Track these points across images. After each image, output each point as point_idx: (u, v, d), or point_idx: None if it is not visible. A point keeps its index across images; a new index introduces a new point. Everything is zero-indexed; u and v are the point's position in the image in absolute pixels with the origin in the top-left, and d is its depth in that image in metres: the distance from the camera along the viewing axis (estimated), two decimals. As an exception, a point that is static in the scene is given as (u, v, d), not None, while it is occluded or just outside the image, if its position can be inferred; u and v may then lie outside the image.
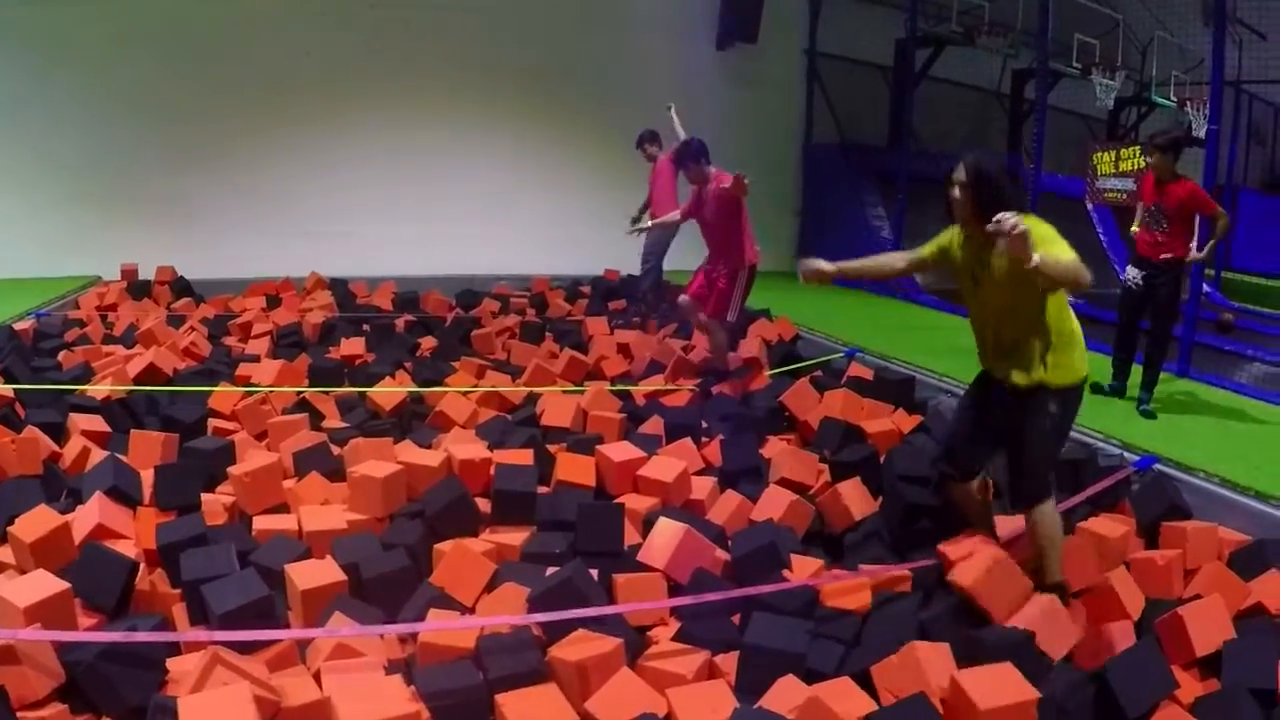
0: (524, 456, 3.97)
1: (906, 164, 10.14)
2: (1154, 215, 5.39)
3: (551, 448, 4.38)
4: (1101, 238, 12.72)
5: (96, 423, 4.39)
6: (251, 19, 8.94)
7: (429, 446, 4.34)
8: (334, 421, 5.00)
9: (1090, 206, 11.52)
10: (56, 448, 4.15)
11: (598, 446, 4.14)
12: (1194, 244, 5.45)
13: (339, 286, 8.34)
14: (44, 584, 2.70)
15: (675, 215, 6.33)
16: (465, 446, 4.06)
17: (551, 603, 2.77)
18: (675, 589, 3.14)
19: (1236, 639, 2.94)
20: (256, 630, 2.54)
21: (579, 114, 10.32)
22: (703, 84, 11.05)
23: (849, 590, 3.18)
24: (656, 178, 7.81)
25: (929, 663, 2.51)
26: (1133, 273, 5.54)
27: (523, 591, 2.91)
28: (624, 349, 6.72)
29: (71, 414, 4.44)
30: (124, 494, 3.56)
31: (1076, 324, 3.22)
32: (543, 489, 3.86)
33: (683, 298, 5.97)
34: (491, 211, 10.22)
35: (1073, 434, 4.04)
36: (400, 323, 7.31)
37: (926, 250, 3.49)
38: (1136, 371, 5.57)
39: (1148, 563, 3.48)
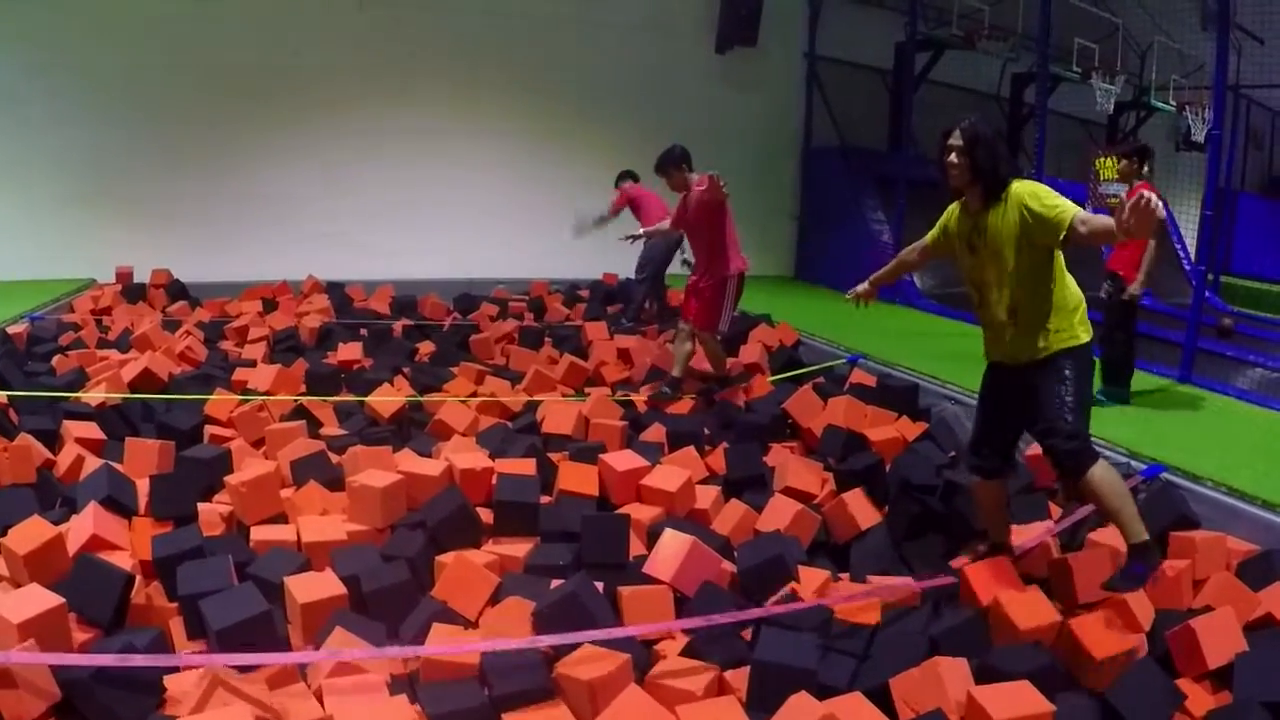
0: (526, 466, 3.92)
1: (906, 168, 10.11)
2: None
3: (553, 456, 4.34)
4: (1100, 242, 12.69)
5: (91, 430, 4.33)
6: (247, 21, 8.87)
7: (429, 455, 4.29)
8: (332, 429, 4.95)
9: (1092, 210, 11.50)
10: (50, 455, 4.09)
11: (601, 455, 4.10)
12: (1139, 275, 5.45)
13: (336, 290, 8.28)
14: (38, 598, 2.64)
15: (665, 224, 6.23)
16: (466, 455, 4.00)
17: (557, 618, 2.72)
18: (681, 601, 3.10)
19: (1249, 651, 2.90)
20: (257, 653, 2.47)
21: (576, 116, 10.27)
22: (701, 87, 11.03)
23: (858, 604, 3.13)
24: (639, 204, 7.78)
25: (949, 678, 2.47)
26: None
27: (527, 605, 2.86)
28: (624, 354, 6.67)
29: (65, 421, 4.38)
30: (119, 504, 3.51)
31: (1077, 289, 3.22)
32: (545, 499, 3.81)
33: (682, 323, 5.84)
34: (489, 215, 10.17)
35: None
36: (398, 327, 7.26)
37: (930, 236, 3.56)
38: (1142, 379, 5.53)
39: (1157, 573, 3.43)
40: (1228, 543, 3.65)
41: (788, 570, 3.23)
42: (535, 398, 5.45)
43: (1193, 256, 13.67)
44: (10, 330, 6.14)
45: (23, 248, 8.33)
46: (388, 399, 5.13)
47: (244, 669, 2.51)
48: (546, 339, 7.02)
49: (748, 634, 2.97)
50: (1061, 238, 2.94)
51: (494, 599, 3.05)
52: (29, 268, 8.27)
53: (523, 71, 10.07)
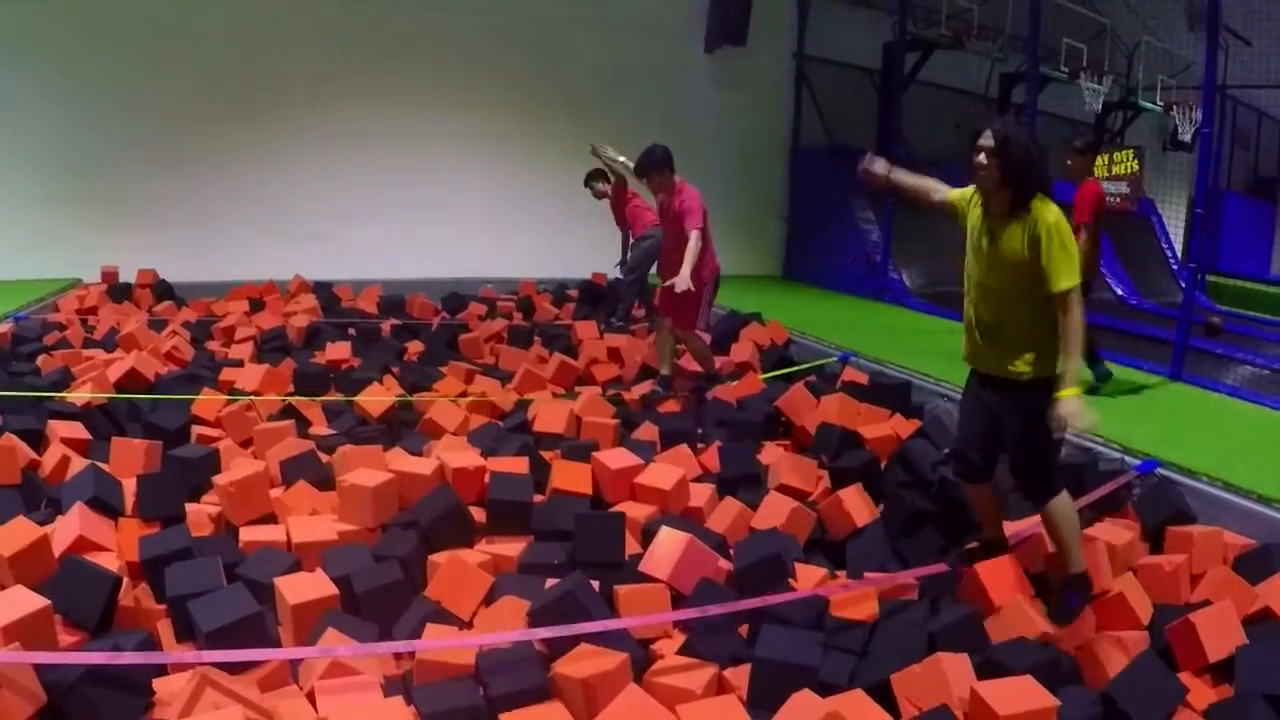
0: (518, 464, 3.88)
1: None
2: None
3: (545, 454, 4.30)
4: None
5: (76, 430, 4.26)
6: (232, 19, 8.78)
7: (419, 454, 4.24)
8: (321, 428, 4.89)
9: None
10: (35, 456, 4.01)
11: (594, 454, 4.07)
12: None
13: (323, 290, 8.21)
14: (22, 601, 2.59)
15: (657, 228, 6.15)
16: (458, 454, 3.96)
17: (552, 616, 2.68)
18: (678, 599, 3.07)
19: (1249, 644, 2.90)
20: (249, 650, 2.42)
21: (565, 116, 10.21)
22: (691, 87, 11.00)
23: (856, 600, 3.11)
24: (622, 205, 7.74)
25: (952, 674, 2.45)
26: None
27: (522, 605, 2.82)
28: (614, 353, 6.64)
29: (50, 421, 4.30)
30: (105, 504, 3.45)
31: None
32: (538, 497, 3.77)
33: (661, 322, 5.75)
34: (476, 214, 10.11)
35: (1073, 438, 4.01)
36: (386, 327, 7.20)
37: (952, 194, 3.39)
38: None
39: (1155, 568, 3.44)
40: (1224, 537, 3.66)
41: (785, 567, 3.21)
42: (526, 397, 5.40)
43: (1180, 255, 13.79)
44: (-6, 330, 6.06)
45: (6, 247, 8.20)
46: (377, 399, 5.07)
47: (234, 670, 2.46)
48: (536, 338, 6.98)
49: (744, 631, 2.94)
50: (1048, 294, 2.90)
51: (488, 599, 3.02)
52: (12, 267, 8.15)
53: (510, 71, 10.02)
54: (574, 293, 9.11)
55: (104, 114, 8.37)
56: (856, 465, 4.26)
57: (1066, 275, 2.87)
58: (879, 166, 3.67)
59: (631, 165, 7.19)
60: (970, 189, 3.28)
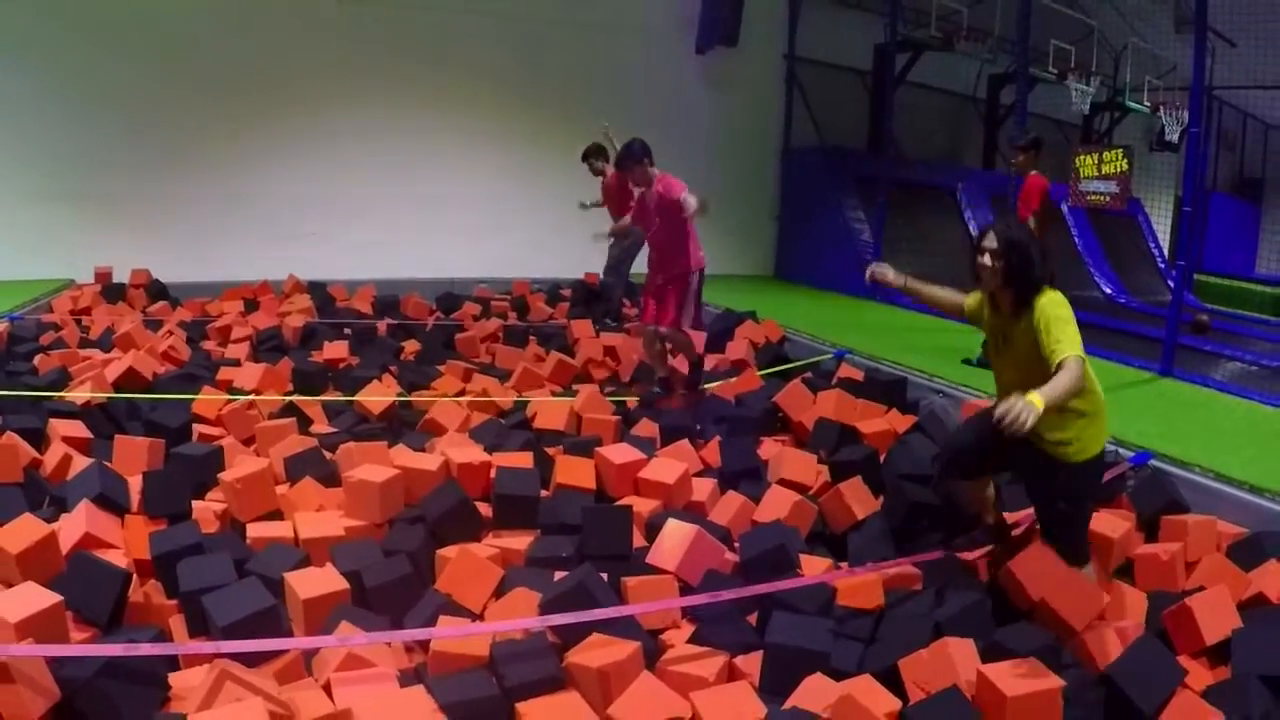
0: (523, 459, 3.91)
1: (888, 169, 10.20)
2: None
3: (548, 450, 4.32)
4: (1076, 240, 12.92)
5: (77, 428, 4.25)
6: (223, 18, 8.76)
7: (422, 450, 4.26)
8: (322, 426, 4.91)
9: (1065, 209, 11.67)
10: (36, 454, 4.00)
11: (597, 449, 4.09)
12: None
13: (317, 290, 8.21)
14: (35, 597, 2.58)
15: (626, 220, 6.00)
16: (463, 450, 3.98)
17: (564, 607, 2.71)
18: (686, 590, 3.10)
19: (1244, 628, 2.97)
20: (268, 640, 2.43)
21: (557, 116, 10.24)
22: (683, 88, 11.05)
23: (862, 589, 3.15)
24: (609, 192, 7.78)
25: (959, 657, 2.49)
26: None
27: (534, 597, 2.85)
28: (610, 352, 6.67)
29: (51, 420, 4.29)
30: (111, 502, 3.45)
31: (1100, 396, 3.12)
32: (542, 492, 3.79)
33: (646, 328, 5.68)
34: (469, 214, 10.12)
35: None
36: (382, 326, 7.21)
37: (969, 302, 3.42)
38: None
39: (1151, 557, 3.51)
40: (1217, 526, 3.73)
41: (790, 558, 3.25)
42: (524, 395, 5.43)
43: (1166, 254, 13.95)
44: (-10, 330, 6.03)
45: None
46: (379, 398, 5.08)
47: (250, 664, 2.48)
48: (531, 337, 7.00)
49: (753, 620, 2.97)
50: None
51: (498, 592, 3.04)
52: (5, 268, 8.10)
53: (503, 71, 10.04)
54: (567, 292, 9.14)
55: (96, 113, 8.33)
56: (856, 459, 4.30)
57: (1066, 344, 2.81)
58: (890, 276, 3.71)
59: None
60: (978, 296, 3.32)
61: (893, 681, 2.64)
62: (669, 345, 5.73)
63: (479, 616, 2.94)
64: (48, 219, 8.28)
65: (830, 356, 6.68)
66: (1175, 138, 13.31)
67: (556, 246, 9.84)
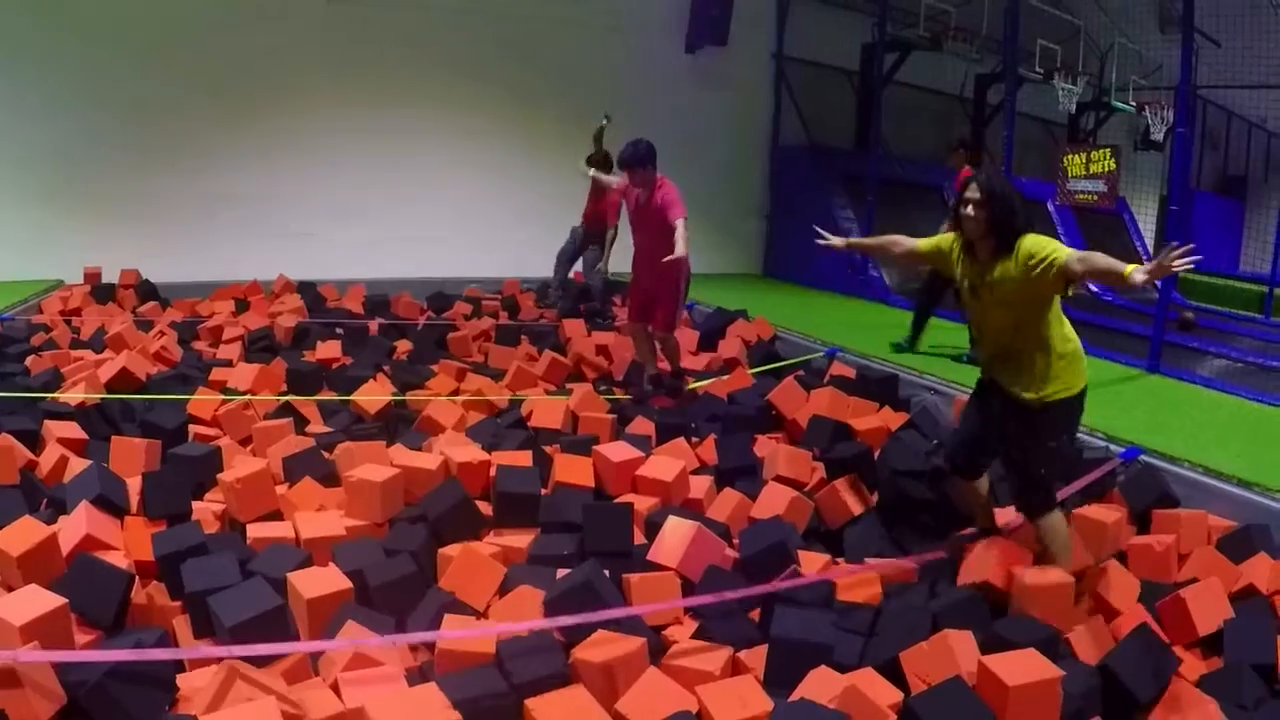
0: (523, 458, 3.92)
1: (877, 167, 10.26)
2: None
3: (546, 449, 4.34)
4: (1061, 238, 13.02)
5: (72, 429, 4.23)
6: (211, 16, 8.70)
7: (419, 450, 4.26)
8: (318, 426, 4.90)
9: (1052, 208, 11.78)
10: (32, 456, 3.98)
11: (595, 447, 4.11)
12: None
13: (308, 290, 8.18)
14: (39, 600, 2.56)
15: (612, 231, 6.06)
16: (461, 449, 3.99)
17: (570, 605, 2.73)
18: (687, 587, 3.13)
19: (1236, 618, 3.04)
20: (281, 644, 2.44)
21: (547, 115, 10.25)
22: (672, 86, 11.07)
23: (860, 583, 3.20)
24: (603, 193, 7.81)
25: (959, 649, 2.54)
26: None
27: (537, 594, 2.87)
28: (603, 350, 6.69)
29: (46, 421, 4.27)
30: (111, 503, 3.43)
31: (1075, 338, 3.27)
32: (541, 491, 3.80)
33: (634, 326, 5.72)
34: (459, 214, 10.10)
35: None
36: (374, 326, 7.20)
37: (923, 245, 3.56)
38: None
39: (1145, 548, 3.57)
40: (1208, 519, 3.79)
41: (790, 555, 3.28)
42: (519, 394, 5.44)
43: (1152, 253, 14.07)
44: (-21, 331, 5.99)
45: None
46: (375, 398, 5.08)
47: (257, 664, 2.48)
48: (523, 336, 7.01)
49: (755, 616, 3.00)
50: (1065, 283, 3.01)
51: (501, 590, 3.06)
52: (-6, 268, 8.06)
53: (493, 70, 10.03)
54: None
55: (84, 113, 8.26)
56: (850, 456, 4.34)
57: (1057, 257, 2.98)
58: (835, 241, 4.03)
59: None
60: (943, 238, 3.46)
61: (892, 674, 2.68)
62: (658, 347, 5.76)
63: (483, 614, 2.96)
64: (35, 219, 8.21)
65: (822, 355, 6.73)
66: (1160, 137, 13.45)
67: (547, 246, 9.83)
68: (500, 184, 10.25)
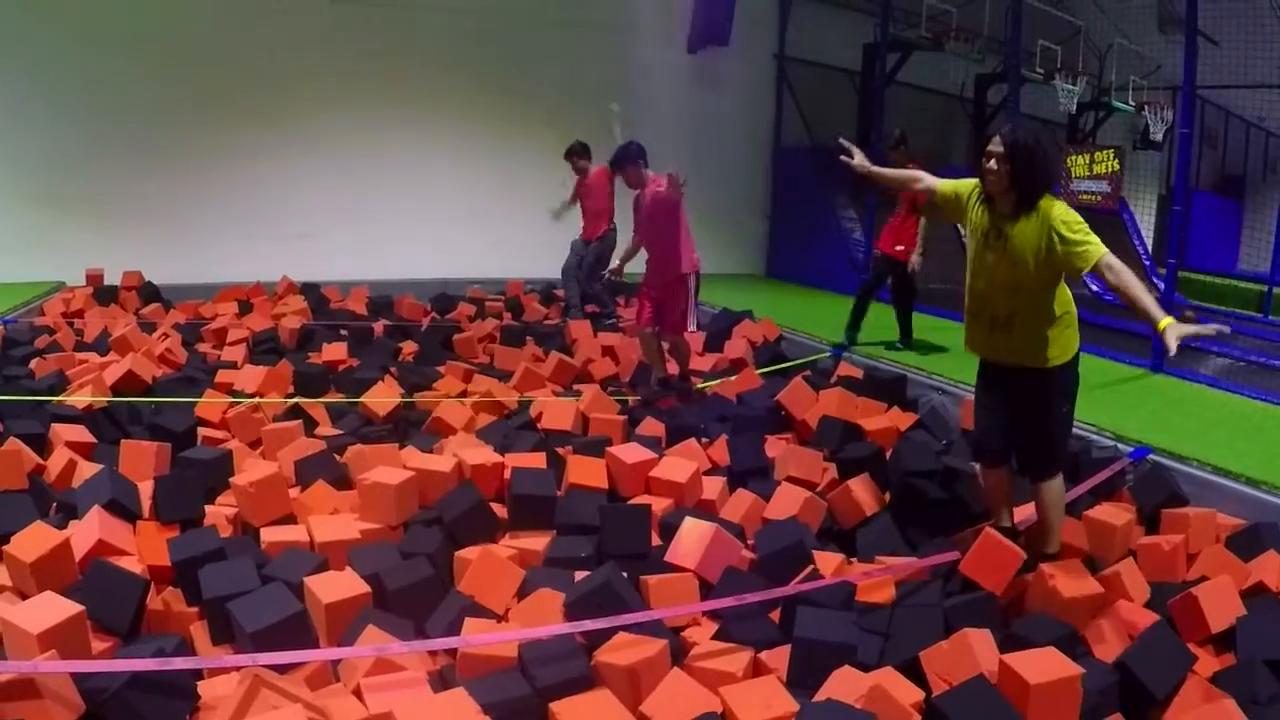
0: (536, 460, 3.92)
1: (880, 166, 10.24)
2: (892, 203, 6.72)
3: (558, 451, 4.33)
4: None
5: (80, 433, 4.21)
6: (213, 17, 8.68)
7: (430, 452, 4.25)
8: (326, 429, 4.88)
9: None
10: (40, 460, 3.97)
11: (608, 449, 4.11)
12: (915, 255, 6.61)
13: (311, 291, 8.16)
14: (56, 607, 2.54)
15: (631, 245, 5.99)
16: (474, 451, 3.99)
17: (590, 607, 2.72)
18: (706, 588, 3.12)
19: (1248, 615, 3.05)
20: (305, 651, 2.42)
21: (549, 116, 10.25)
22: (674, 87, 11.05)
23: (875, 584, 3.20)
24: (590, 190, 7.81)
25: (979, 648, 2.54)
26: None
27: (557, 597, 2.86)
28: (609, 351, 6.68)
29: (53, 424, 4.24)
30: (122, 508, 3.41)
31: (1071, 305, 3.30)
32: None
33: (644, 331, 5.67)
34: (461, 215, 10.09)
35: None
36: (379, 327, 7.18)
37: (942, 187, 3.48)
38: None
39: (1154, 548, 3.57)
40: (1217, 518, 3.80)
41: (806, 555, 3.28)
42: (527, 395, 5.43)
43: (1151, 252, 14.12)
44: (-18, 334, 5.96)
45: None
46: (384, 400, 5.07)
47: (280, 671, 2.47)
48: (528, 338, 7.01)
49: (775, 617, 3.00)
50: (1083, 274, 3.01)
51: (519, 593, 3.05)
52: (-4, 270, 8.03)
53: (495, 71, 10.02)
54: (561, 292, 9.12)
55: (85, 114, 8.24)
56: (862, 456, 4.36)
57: (1091, 251, 2.97)
58: (856, 159, 3.90)
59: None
60: (963, 183, 3.39)
61: (914, 672, 2.68)
62: (666, 348, 5.76)
63: (502, 618, 2.95)
64: (37, 221, 8.19)
65: (828, 355, 6.73)
66: (1159, 137, 13.49)
67: (549, 247, 9.81)
68: (502, 184, 10.23)
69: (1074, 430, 4.59)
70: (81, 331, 6.42)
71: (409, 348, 6.65)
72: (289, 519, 3.60)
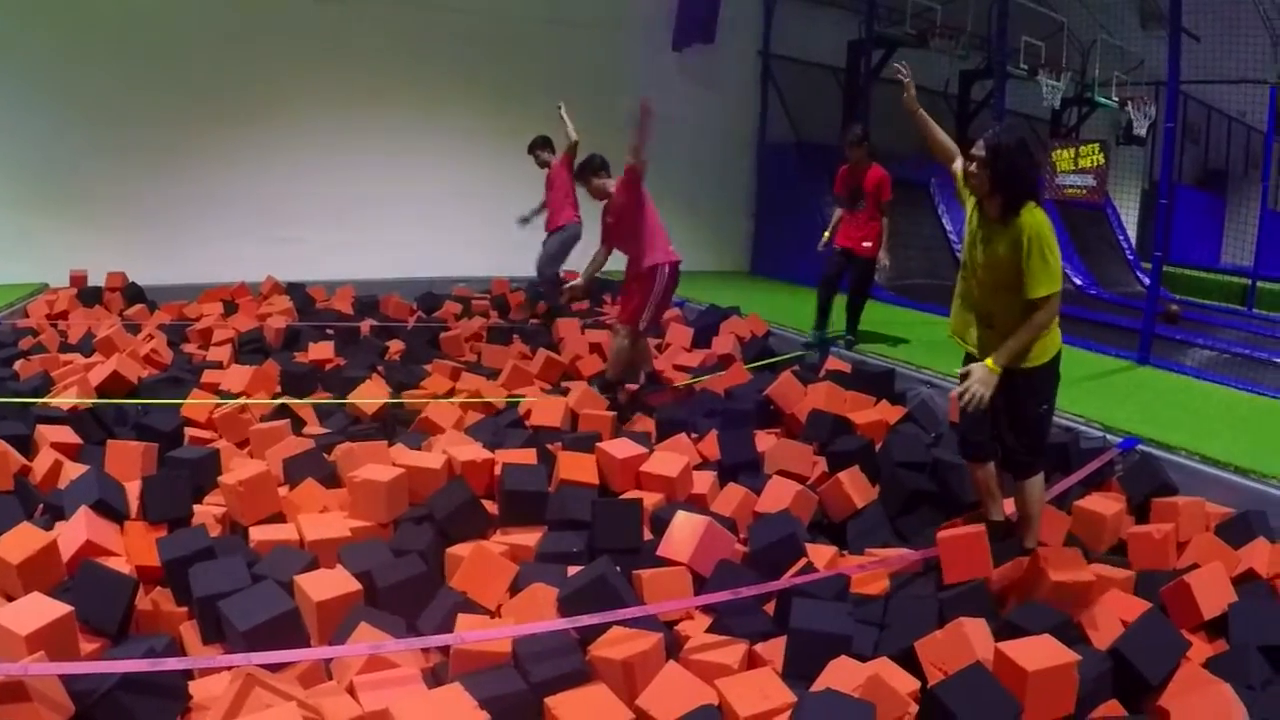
0: (527, 456, 3.91)
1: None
2: (853, 200, 6.73)
3: (548, 447, 4.32)
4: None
5: (66, 434, 4.16)
6: (199, 18, 8.61)
7: (419, 449, 4.23)
8: (314, 428, 4.85)
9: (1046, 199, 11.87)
10: (26, 461, 3.92)
11: (598, 444, 4.10)
12: (883, 253, 6.68)
13: (297, 291, 8.11)
14: (44, 608, 2.51)
15: (598, 257, 5.74)
16: (464, 448, 3.97)
17: (585, 602, 2.71)
18: (699, 582, 3.12)
19: (1240, 602, 3.07)
20: (303, 650, 2.39)
21: (532, 114, 10.18)
22: (658, 84, 10.99)
23: (869, 576, 3.20)
24: (552, 182, 7.79)
25: (974, 637, 2.55)
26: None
27: (550, 592, 2.85)
28: (597, 348, 6.67)
29: (39, 425, 4.19)
30: (110, 508, 3.38)
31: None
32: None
33: (617, 326, 5.59)
34: (447, 213, 10.04)
35: (1055, 419, 4.16)
36: (365, 327, 7.15)
37: (959, 165, 3.47)
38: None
39: (1144, 536, 3.60)
40: (1206, 507, 3.84)
41: (799, 547, 3.29)
42: (515, 392, 5.42)
43: (1134, 246, 14.24)
44: (-36, 336, 5.89)
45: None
46: (373, 400, 5.04)
47: (272, 669, 2.45)
48: (515, 335, 6.99)
49: (769, 609, 3.00)
50: (1025, 299, 3.07)
51: (512, 588, 3.04)
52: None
53: (480, 69, 9.98)
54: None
55: (66, 115, 8.13)
56: (852, 449, 4.37)
57: (1043, 284, 3.04)
58: (911, 89, 4.13)
59: (576, 139, 7.37)
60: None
61: (906, 662, 2.69)
62: (656, 341, 5.71)
63: (495, 613, 2.94)
64: (20, 223, 8.08)
65: (810, 354, 6.74)
66: (1143, 132, 13.60)
67: (533, 245, 9.80)
68: (486, 182, 10.18)
69: (1064, 422, 4.66)
70: (66, 333, 6.36)
71: (396, 347, 6.62)
72: (278, 518, 3.57)
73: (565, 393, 5.28)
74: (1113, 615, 3.03)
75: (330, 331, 6.85)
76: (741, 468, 4.30)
